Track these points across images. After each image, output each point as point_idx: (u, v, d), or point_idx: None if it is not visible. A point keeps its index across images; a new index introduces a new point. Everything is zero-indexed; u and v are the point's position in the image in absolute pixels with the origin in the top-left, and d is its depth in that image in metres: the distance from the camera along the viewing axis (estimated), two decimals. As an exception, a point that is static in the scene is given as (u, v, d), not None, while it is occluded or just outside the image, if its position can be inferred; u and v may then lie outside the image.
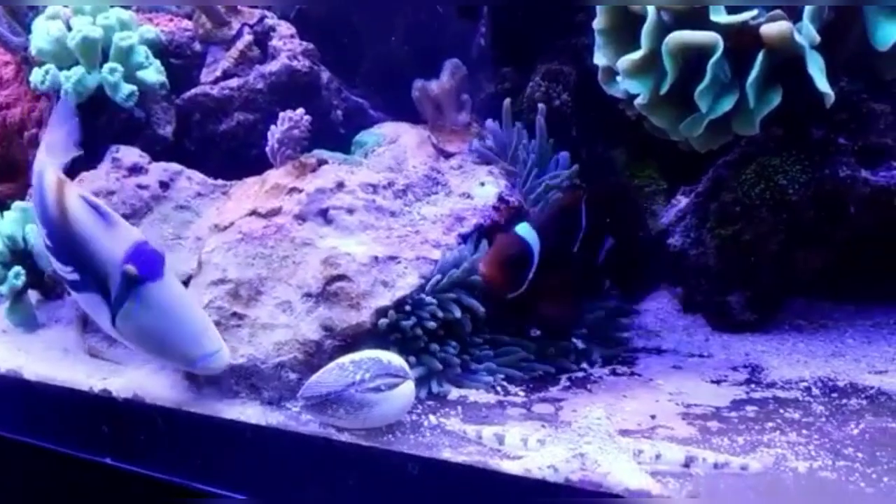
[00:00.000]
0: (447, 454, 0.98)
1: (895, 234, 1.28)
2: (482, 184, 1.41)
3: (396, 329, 1.20)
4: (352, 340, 1.20)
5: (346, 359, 1.10)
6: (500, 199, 1.39)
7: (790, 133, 1.29)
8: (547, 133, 1.46)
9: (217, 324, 1.22)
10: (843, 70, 1.19)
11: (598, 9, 1.29)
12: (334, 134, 1.59)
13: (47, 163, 1.21)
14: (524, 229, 1.23)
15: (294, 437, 1.13)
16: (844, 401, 1.12)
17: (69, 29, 1.53)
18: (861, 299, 1.45)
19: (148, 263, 1.08)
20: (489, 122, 1.47)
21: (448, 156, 1.52)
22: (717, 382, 1.22)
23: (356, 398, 1.06)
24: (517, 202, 1.40)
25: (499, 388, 1.22)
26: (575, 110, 1.63)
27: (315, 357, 1.19)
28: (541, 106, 1.48)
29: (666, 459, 0.93)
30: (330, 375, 1.09)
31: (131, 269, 1.06)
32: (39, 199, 1.18)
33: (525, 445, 0.99)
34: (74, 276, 1.13)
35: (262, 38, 1.59)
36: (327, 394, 1.07)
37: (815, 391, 1.16)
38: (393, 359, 1.10)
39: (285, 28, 1.59)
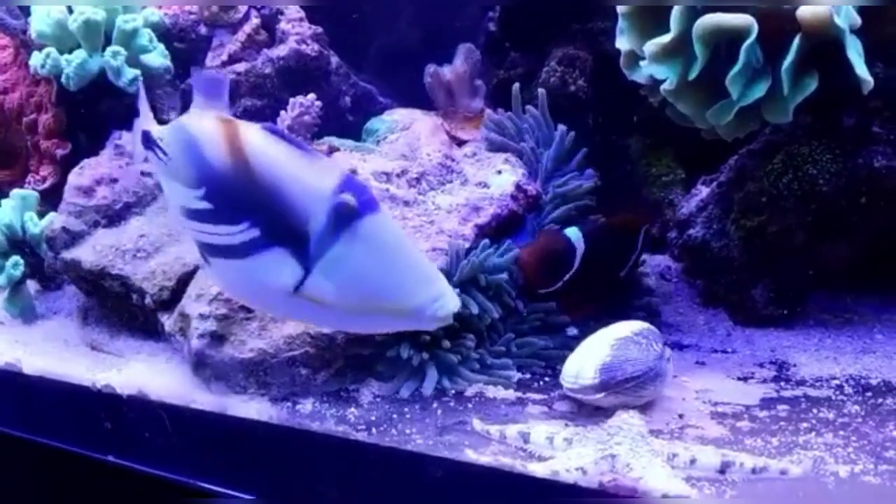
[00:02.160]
0: (470, 455, 0.94)
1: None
2: (499, 172, 1.36)
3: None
4: (365, 334, 1.15)
5: (621, 333, 1.08)
6: (518, 187, 1.34)
7: (820, 121, 1.24)
8: (554, 117, 1.41)
9: (225, 317, 1.18)
10: (878, 56, 1.14)
11: (623, -9, 1.24)
12: (343, 120, 1.55)
13: (190, 114, 0.97)
14: (573, 232, 1.26)
15: (305, 436, 1.09)
16: (880, 400, 1.08)
17: (70, 11, 1.48)
18: (885, 292, 1.41)
19: (364, 193, 0.87)
20: (489, 112, 1.43)
21: (461, 143, 1.47)
22: (744, 379, 1.18)
23: (662, 370, 1.06)
24: (535, 191, 1.35)
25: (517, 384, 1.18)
26: (591, 96, 1.58)
27: (327, 352, 1.16)
28: (540, 91, 1.43)
29: (701, 464, 0.89)
30: (630, 353, 1.05)
31: (349, 198, 0.85)
32: (190, 153, 0.94)
33: (551, 444, 0.95)
34: (252, 234, 0.90)
35: (270, 21, 1.54)
36: (646, 371, 1.04)
37: (848, 389, 1.12)
38: (647, 324, 1.11)
39: (294, 11, 1.54)
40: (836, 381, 1.15)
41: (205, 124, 0.94)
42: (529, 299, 1.26)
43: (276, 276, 0.90)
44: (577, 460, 0.90)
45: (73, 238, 1.37)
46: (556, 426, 1.01)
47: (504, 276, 1.22)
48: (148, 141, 1.01)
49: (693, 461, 0.89)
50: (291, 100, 1.29)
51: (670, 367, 1.09)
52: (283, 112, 1.30)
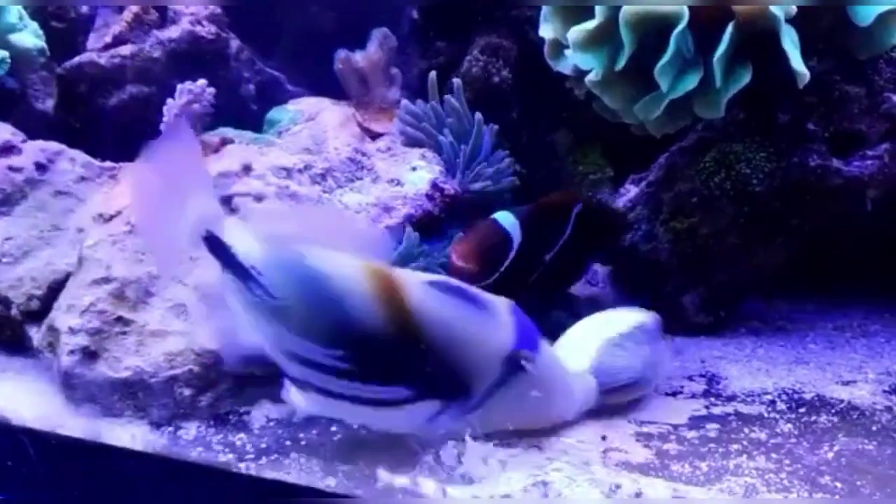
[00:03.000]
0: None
1: (867, 229, 1.18)
2: (413, 168, 1.25)
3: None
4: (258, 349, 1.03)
5: (613, 333, 1.01)
6: (435, 186, 1.23)
7: (754, 117, 1.16)
8: (475, 111, 1.31)
9: (98, 331, 1.05)
10: (814, 49, 1.07)
11: (546, -26, 1.15)
12: (245, 110, 1.41)
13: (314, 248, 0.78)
14: (505, 217, 1.13)
15: (189, 467, 0.97)
16: (814, 417, 1.01)
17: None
18: (821, 299, 1.35)
19: (530, 336, 0.84)
20: (405, 102, 1.32)
21: (375, 136, 1.35)
22: (673, 394, 1.10)
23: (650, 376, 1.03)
24: (453, 190, 1.24)
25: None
26: (515, 89, 1.48)
27: (213, 370, 1.03)
28: (455, 81, 1.33)
29: (647, 499, 0.79)
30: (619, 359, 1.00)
31: (527, 357, 0.82)
32: (323, 308, 0.76)
33: (485, 464, 0.85)
34: (401, 394, 0.80)
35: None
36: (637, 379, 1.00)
37: (781, 405, 1.05)
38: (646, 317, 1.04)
39: (189, -11, 1.38)
40: (769, 396, 1.08)
41: (347, 274, 0.76)
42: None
43: (414, 420, 0.82)
44: (505, 487, 0.80)
45: (-74, 240, 1.20)
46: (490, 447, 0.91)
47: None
48: (225, 257, 0.77)
49: (639, 494, 0.80)
50: (179, 86, 1.15)
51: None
52: (170, 100, 1.16)
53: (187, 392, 1.02)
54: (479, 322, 0.80)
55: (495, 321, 0.81)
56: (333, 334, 0.77)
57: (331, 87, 1.46)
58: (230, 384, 1.04)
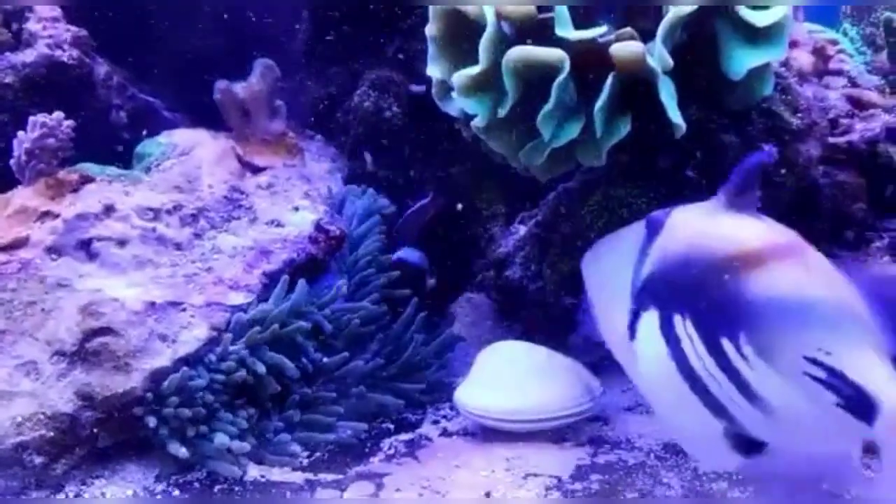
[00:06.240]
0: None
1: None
2: (296, 209, 1.20)
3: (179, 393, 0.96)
4: (118, 412, 0.95)
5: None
6: (319, 227, 1.18)
7: (636, 161, 1.17)
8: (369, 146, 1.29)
9: (-67, 393, 0.94)
10: (693, 97, 1.09)
11: (431, 11, 1.12)
12: (117, 140, 1.31)
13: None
14: (410, 254, 1.24)
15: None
16: (695, 463, 1.01)
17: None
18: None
19: None
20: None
21: (256, 171, 1.29)
22: (560, 442, 1.09)
23: None
24: (339, 231, 1.20)
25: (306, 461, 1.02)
26: (407, 124, 1.45)
27: (68, 435, 0.94)
28: None
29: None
30: None
31: None
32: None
33: None
34: None
35: (14, 18, 1.26)
36: None
37: (662, 452, 1.05)
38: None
39: (47, 9, 1.26)
40: (657, 443, 1.08)
41: None
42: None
43: None
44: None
45: None
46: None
47: (306, 324, 1.06)
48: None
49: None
50: (31, 119, 1.05)
51: None
52: (20, 133, 1.06)
53: (39, 460, 0.94)
54: None
55: None
56: None
57: (213, 114, 1.38)
58: (89, 449, 0.96)
